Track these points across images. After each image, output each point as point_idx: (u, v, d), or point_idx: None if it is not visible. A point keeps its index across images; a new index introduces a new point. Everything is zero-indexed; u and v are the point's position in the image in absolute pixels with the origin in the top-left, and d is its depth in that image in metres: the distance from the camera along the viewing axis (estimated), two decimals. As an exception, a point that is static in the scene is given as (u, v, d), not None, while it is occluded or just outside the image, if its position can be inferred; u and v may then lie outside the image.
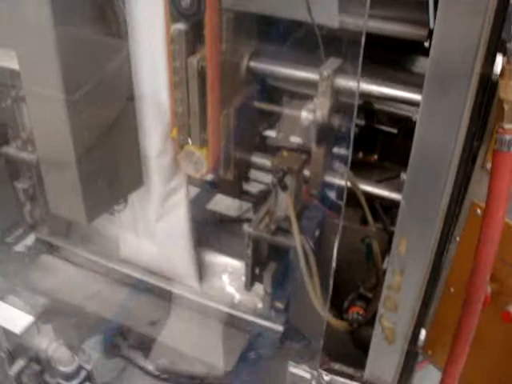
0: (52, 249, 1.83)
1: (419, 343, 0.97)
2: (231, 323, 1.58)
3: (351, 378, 0.98)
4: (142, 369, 1.52)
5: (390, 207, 1.54)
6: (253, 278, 1.46)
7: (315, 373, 0.94)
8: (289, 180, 1.34)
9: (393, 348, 0.90)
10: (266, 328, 1.52)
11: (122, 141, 1.39)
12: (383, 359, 0.93)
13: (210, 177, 1.99)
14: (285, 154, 1.37)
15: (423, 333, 0.97)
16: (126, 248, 1.71)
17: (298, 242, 1.34)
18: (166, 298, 1.65)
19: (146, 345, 1.56)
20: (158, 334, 1.56)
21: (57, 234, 1.79)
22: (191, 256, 1.64)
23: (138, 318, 1.60)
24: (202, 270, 1.67)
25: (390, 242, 1.51)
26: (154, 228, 1.58)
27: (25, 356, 1.35)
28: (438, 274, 0.90)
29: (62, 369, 1.32)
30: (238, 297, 1.62)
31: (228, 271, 1.66)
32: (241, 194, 2.00)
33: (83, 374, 1.35)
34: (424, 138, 0.84)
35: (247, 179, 1.99)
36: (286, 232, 1.39)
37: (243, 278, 1.53)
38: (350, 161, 1.28)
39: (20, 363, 1.35)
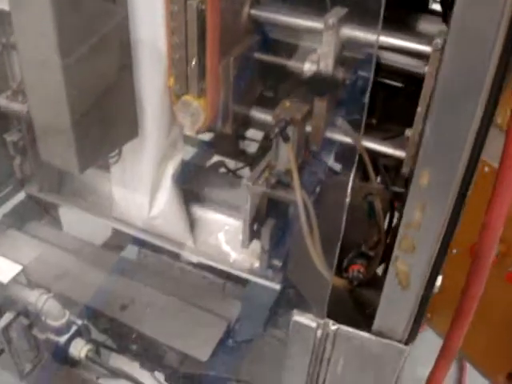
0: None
1: (435, 290, 0.92)
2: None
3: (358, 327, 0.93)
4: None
5: (391, 168, 1.50)
6: (251, 235, 1.41)
7: (321, 322, 0.89)
8: (291, 131, 1.28)
9: (407, 294, 0.85)
10: (263, 286, 1.47)
11: (117, 90, 1.33)
12: (395, 307, 0.88)
13: (206, 136, 1.94)
14: (287, 103, 1.32)
15: (439, 279, 0.91)
16: (118, 205, 1.66)
17: (298, 196, 1.29)
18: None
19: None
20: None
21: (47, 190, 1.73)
22: (183, 213, 1.59)
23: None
24: (196, 229, 1.62)
25: (391, 201, 1.48)
26: (146, 183, 1.52)
27: (13, 309, 1.30)
28: (460, 211, 0.83)
29: (52, 323, 1.27)
30: (233, 256, 1.58)
31: (224, 229, 1.60)
32: (237, 154, 1.95)
33: (74, 328, 1.30)
34: (454, 54, 0.76)
35: (244, 138, 1.94)
36: (287, 186, 1.34)
37: (240, 237, 1.48)
38: (365, 113, 1.22)
39: (8, 316, 1.29)
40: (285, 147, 1.30)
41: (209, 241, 1.61)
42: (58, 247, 1.67)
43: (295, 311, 0.91)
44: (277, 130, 1.26)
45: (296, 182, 1.29)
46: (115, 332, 1.51)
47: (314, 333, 0.89)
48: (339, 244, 1.12)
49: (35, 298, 1.26)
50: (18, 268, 1.26)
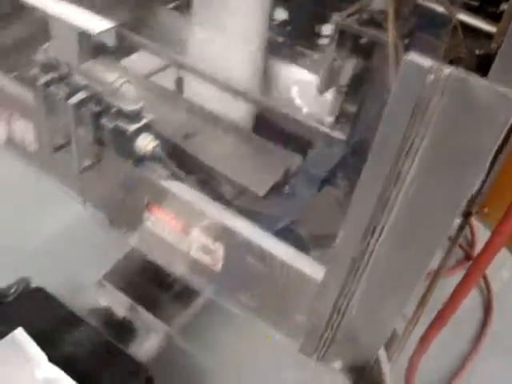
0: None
1: None
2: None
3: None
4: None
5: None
6: (330, 78, 1.38)
7: (436, 65, 0.82)
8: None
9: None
10: (329, 136, 1.45)
11: None
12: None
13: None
14: None
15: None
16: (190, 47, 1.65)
17: (391, 34, 1.25)
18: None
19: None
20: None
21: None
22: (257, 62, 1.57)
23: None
24: (267, 80, 1.59)
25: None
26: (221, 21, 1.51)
27: (86, 91, 1.28)
28: None
29: (125, 107, 1.25)
30: (305, 109, 1.55)
31: (297, 84, 1.57)
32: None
33: (144, 120, 1.28)
34: None
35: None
36: (378, 26, 1.30)
37: (313, 92, 1.45)
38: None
39: (81, 95, 1.27)
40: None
41: (280, 93, 1.58)
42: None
43: (409, 53, 0.84)
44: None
45: (390, 22, 1.25)
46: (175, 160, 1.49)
47: (425, 75, 0.82)
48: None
49: (114, 78, 1.24)
50: (110, 24, 1.21)
